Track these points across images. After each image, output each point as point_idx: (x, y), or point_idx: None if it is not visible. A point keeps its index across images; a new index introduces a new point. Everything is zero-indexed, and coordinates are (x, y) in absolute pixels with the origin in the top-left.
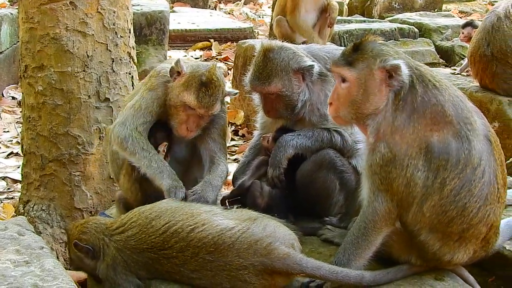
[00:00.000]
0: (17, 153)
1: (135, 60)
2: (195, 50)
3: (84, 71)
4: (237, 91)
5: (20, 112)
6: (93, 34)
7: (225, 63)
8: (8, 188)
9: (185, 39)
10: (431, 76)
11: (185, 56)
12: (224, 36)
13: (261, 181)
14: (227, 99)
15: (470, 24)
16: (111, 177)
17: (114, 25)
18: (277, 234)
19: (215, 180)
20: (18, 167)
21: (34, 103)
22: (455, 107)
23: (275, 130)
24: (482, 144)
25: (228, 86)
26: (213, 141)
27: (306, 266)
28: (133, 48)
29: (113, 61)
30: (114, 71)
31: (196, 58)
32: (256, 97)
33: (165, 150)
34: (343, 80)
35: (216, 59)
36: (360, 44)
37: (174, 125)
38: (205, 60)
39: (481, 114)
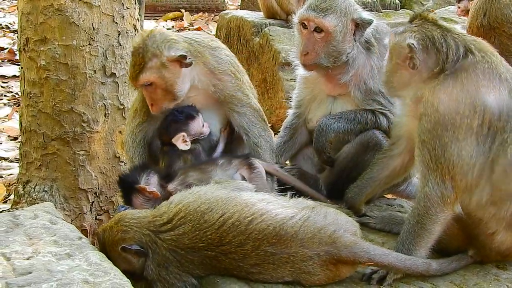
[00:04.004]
0: None
1: None
2: (166, 21)
3: (89, 44)
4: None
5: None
6: (99, 5)
7: None
8: None
9: (155, 9)
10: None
11: (157, 26)
12: (195, 6)
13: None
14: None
15: None
16: (117, 155)
17: None
18: (340, 222)
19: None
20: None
21: (35, 78)
22: (506, 67)
23: None
24: None
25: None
26: (238, 114)
27: (374, 254)
28: (138, 20)
29: (119, 34)
30: (120, 45)
31: (168, 29)
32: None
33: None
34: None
35: (189, 29)
36: None
37: None
38: (177, 31)
39: None
